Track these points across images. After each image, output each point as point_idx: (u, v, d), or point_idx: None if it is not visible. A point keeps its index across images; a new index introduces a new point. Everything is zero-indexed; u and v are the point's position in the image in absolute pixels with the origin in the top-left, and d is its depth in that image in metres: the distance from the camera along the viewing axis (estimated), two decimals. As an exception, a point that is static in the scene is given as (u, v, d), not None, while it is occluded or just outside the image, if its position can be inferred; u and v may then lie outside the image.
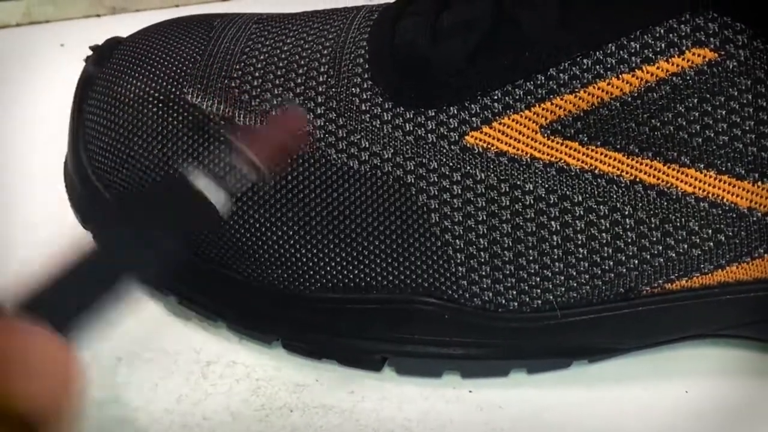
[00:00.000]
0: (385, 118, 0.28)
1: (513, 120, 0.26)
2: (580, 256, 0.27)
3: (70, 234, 0.32)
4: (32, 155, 0.39)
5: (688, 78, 0.25)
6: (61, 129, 0.33)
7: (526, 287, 0.28)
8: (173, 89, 0.29)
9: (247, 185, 0.23)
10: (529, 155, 0.27)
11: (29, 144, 0.40)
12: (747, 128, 0.25)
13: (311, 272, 0.28)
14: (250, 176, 0.23)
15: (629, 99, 0.25)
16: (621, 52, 0.25)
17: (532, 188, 0.27)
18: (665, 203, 0.26)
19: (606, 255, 0.27)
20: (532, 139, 0.26)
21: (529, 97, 0.26)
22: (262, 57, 0.30)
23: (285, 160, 0.27)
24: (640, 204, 0.27)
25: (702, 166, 0.26)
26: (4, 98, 0.43)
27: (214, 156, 0.23)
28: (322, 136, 0.28)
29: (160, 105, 0.29)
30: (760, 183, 0.26)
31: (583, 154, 0.26)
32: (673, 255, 0.27)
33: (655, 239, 0.27)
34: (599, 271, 0.27)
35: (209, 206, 0.22)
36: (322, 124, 0.28)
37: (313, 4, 0.35)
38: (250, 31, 0.31)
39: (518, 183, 0.27)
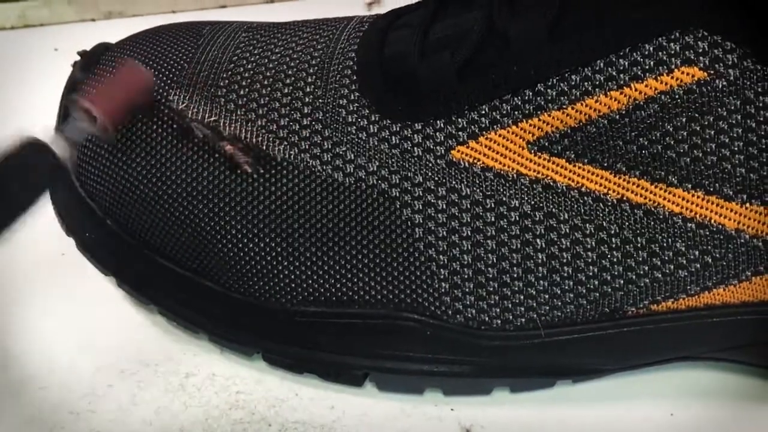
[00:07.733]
0: (372, 130, 0.27)
1: (500, 135, 0.26)
2: (565, 274, 0.27)
3: (51, 233, 0.31)
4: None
5: (676, 97, 0.25)
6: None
7: (510, 305, 0.27)
8: (158, 96, 0.29)
9: (85, 135, 0.27)
10: (515, 171, 0.26)
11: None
12: (736, 149, 0.25)
13: (293, 285, 0.28)
14: (89, 127, 0.27)
15: (617, 117, 0.25)
16: (610, 68, 0.25)
17: (517, 204, 0.26)
18: (652, 223, 0.26)
19: (591, 274, 0.27)
20: (518, 155, 0.26)
21: (516, 113, 0.26)
22: (249, 66, 0.30)
23: (128, 115, 0.28)
24: (627, 223, 0.26)
25: (690, 186, 0.25)
26: (-3, 101, 0.43)
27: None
28: (307, 147, 0.28)
29: (145, 111, 0.29)
30: (748, 204, 0.25)
31: (570, 171, 0.26)
32: (659, 276, 0.27)
33: (641, 259, 0.26)
34: (584, 291, 0.27)
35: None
36: (308, 135, 0.28)
37: (309, 14, 0.34)
38: (239, 39, 0.31)
39: (504, 199, 0.26)
